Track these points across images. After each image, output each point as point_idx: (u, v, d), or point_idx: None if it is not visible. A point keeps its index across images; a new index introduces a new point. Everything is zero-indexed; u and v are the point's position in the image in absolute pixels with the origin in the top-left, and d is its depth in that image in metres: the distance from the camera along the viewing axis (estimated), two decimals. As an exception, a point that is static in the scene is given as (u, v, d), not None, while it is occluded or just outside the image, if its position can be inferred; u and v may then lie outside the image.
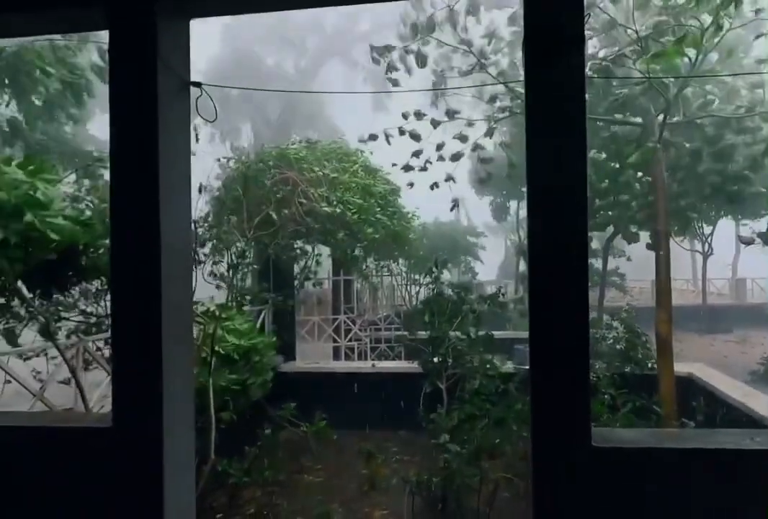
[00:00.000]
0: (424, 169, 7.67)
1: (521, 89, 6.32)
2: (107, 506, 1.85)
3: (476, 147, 7.44)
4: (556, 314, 1.71)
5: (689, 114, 6.39)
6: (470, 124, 7.27)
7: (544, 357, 1.74)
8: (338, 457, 5.90)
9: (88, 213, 3.29)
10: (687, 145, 7.06)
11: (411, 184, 8.19)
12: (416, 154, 7.60)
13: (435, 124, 7.14)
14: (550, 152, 1.68)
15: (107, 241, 3.39)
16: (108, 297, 3.97)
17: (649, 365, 6.28)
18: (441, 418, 4.95)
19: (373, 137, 7.54)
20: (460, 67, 6.91)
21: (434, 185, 7.82)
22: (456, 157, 7.54)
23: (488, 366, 5.55)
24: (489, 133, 7.24)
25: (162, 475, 1.81)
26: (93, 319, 3.99)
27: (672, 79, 5.49)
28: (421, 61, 6.72)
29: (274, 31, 26.05)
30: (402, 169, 7.77)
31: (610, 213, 8.87)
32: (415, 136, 7.26)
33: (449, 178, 7.81)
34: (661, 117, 5.80)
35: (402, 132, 7.22)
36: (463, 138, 7.39)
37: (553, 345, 1.71)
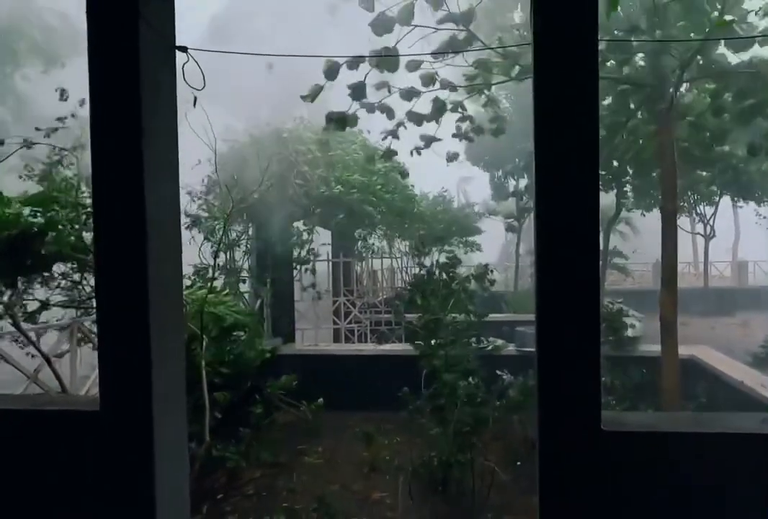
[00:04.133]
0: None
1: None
2: (96, 492, 1.78)
3: (456, 107, 6.99)
4: (565, 291, 1.61)
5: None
6: (453, 89, 6.79)
7: (551, 336, 1.65)
8: (339, 438, 5.89)
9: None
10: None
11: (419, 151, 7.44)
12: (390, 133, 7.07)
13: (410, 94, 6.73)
14: (559, 118, 1.57)
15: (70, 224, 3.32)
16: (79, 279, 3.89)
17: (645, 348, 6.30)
18: (423, 399, 4.93)
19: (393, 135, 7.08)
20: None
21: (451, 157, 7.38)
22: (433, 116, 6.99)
23: (488, 348, 5.49)
24: (486, 103, 6.83)
25: (153, 459, 1.74)
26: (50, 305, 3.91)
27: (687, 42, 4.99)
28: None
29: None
30: (414, 151, 7.22)
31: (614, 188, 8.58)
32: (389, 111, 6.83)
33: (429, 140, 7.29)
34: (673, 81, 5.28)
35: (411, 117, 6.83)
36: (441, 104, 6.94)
37: (561, 323, 1.62)
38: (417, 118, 6.70)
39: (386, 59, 5.98)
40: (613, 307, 6.91)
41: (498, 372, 5.01)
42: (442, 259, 6.30)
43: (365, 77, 5.94)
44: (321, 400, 5.52)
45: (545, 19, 1.61)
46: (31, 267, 3.24)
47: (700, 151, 6.77)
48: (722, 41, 5.02)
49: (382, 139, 6.95)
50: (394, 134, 6.82)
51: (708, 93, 5.72)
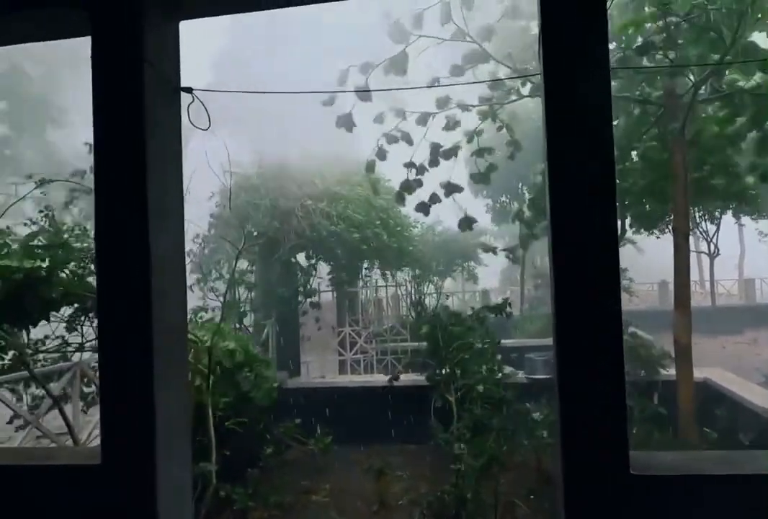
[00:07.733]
0: (418, 182, 7.17)
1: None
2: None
3: (471, 138, 7.12)
4: (586, 325, 1.54)
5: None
6: (466, 109, 6.91)
7: (573, 375, 1.56)
8: (347, 473, 5.70)
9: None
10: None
11: (402, 199, 7.51)
12: (410, 165, 7.06)
13: (423, 118, 6.88)
14: (571, 139, 1.54)
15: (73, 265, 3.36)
16: (83, 321, 3.90)
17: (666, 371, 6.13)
18: (448, 431, 4.81)
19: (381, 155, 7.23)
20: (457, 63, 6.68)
21: (432, 198, 7.44)
22: (450, 153, 7.04)
23: (499, 375, 5.38)
24: (492, 116, 6.91)
25: (156, 514, 1.66)
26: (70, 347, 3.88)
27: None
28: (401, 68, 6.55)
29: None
30: (402, 190, 7.20)
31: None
32: (408, 139, 7.01)
33: (450, 189, 7.42)
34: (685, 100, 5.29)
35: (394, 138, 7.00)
36: (455, 124, 7.07)
37: (583, 361, 1.55)
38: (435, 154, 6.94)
39: (396, 63, 6.25)
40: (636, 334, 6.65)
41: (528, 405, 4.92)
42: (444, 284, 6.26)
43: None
44: (329, 437, 5.37)
45: (554, 44, 1.58)
46: (40, 310, 3.23)
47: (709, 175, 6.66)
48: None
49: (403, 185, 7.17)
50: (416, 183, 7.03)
51: (716, 121, 5.68)
